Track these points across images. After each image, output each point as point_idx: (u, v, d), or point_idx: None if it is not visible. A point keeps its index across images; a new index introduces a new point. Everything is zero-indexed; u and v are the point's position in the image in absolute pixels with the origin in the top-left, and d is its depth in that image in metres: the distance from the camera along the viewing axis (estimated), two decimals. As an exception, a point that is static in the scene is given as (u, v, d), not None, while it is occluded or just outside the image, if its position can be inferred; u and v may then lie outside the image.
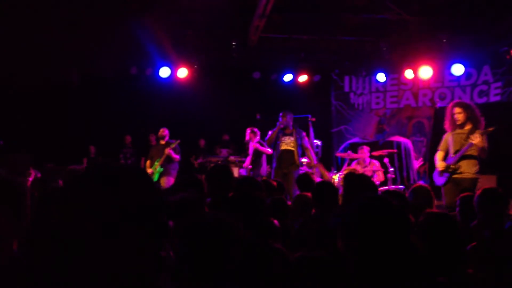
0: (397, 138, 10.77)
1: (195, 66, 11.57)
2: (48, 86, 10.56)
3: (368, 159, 9.14)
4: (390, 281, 2.03)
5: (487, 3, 8.25)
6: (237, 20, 9.57)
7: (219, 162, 10.82)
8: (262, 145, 9.14)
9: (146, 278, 1.14)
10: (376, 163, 9.00)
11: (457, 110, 6.49)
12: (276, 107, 12.09)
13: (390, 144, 10.91)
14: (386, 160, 9.20)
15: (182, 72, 11.39)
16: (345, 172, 7.11)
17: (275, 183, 5.22)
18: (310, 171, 8.69)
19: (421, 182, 9.32)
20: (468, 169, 6.32)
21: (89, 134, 11.82)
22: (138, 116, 11.99)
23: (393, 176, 9.46)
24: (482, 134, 6.23)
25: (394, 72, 11.73)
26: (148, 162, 9.67)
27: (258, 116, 11.01)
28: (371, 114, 12.21)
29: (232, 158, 11.12)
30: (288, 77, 12.10)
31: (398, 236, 2.18)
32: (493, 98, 10.42)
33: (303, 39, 10.48)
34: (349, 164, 9.35)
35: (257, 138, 9.35)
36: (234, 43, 10.70)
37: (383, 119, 11.89)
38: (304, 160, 8.96)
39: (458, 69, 10.49)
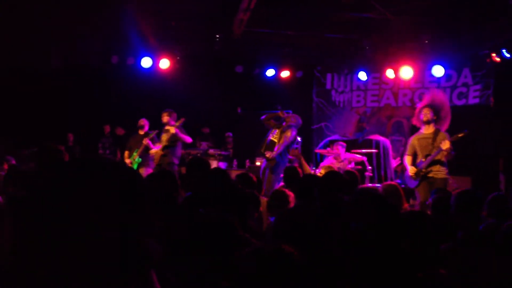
0: (376, 137, 10.88)
1: (178, 58, 11.49)
2: (27, 70, 10.42)
3: (343, 155, 9.17)
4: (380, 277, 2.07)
5: (469, 7, 8.35)
6: (221, 13, 9.52)
7: (198, 154, 10.79)
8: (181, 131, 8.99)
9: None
10: (353, 160, 9.08)
11: (426, 111, 6.89)
12: (258, 101, 12.14)
13: (369, 143, 11.02)
14: (364, 158, 9.28)
15: (164, 63, 11.30)
16: (321, 168, 7.16)
17: (255, 178, 5.22)
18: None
19: (398, 181, 9.44)
20: (439, 170, 6.68)
21: (68, 121, 11.67)
22: (118, 106, 11.88)
23: (371, 174, 9.55)
24: (451, 141, 6.57)
25: (375, 71, 11.81)
26: (126, 152, 9.59)
27: (239, 110, 11.00)
28: (352, 112, 12.29)
29: (211, 151, 11.10)
30: (270, 72, 12.10)
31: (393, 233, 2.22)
32: (472, 101, 10.57)
33: (287, 35, 10.48)
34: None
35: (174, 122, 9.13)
36: (217, 35, 10.66)
37: (363, 118, 11.98)
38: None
39: (438, 71, 10.61)
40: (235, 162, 10.98)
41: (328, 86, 12.64)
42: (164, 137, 9.04)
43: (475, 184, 7.26)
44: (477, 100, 10.45)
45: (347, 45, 11.13)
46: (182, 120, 9.04)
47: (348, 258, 2.55)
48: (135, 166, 9.25)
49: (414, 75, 11.04)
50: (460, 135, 6.61)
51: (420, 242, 3.01)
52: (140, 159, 9.33)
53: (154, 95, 11.64)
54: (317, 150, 10.54)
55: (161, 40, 10.71)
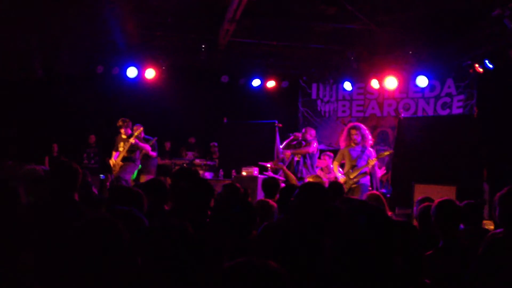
0: (361, 147, 10.93)
1: (163, 68, 11.48)
2: (10, 80, 10.33)
3: (331, 166, 9.22)
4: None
5: (452, 18, 8.47)
6: (207, 23, 9.54)
7: (185, 165, 10.76)
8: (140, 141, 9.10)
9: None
10: (340, 170, 9.09)
11: (354, 132, 7.99)
12: (244, 111, 12.16)
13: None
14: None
15: (150, 73, 11.28)
16: (308, 179, 7.18)
17: (241, 189, 5.20)
18: (275, 175, 8.75)
19: (383, 191, 9.49)
20: (360, 178, 7.77)
21: (53, 132, 11.57)
22: (103, 116, 11.79)
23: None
24: (378, 157, 7.86)
25: (360, 81, 11.90)
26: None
27: (225, 120, 11.00)
28: (337, 122, 12.35)
29: (197, 161, 11.06)
30: (256, 82, 12.13)
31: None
32: (456, 111, 10.69)
33: (272, 45, 10.53)
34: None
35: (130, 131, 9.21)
36: (203, 46, 10.67)
37: (349, 128, 12.05)
38: (269, 165, 8.99)
39: (422, 81, 10.72)
40: (221, 172, 10.93)
41: (314, 96, 12.70)
42: (122, 146, 9.10)
43: (459, 193, 7.31)
44: (460, 110, 10.58)
45: (332, 55, 11.21)
46: (141, 129, 9.07)
47: (336, 273, 2.55)
48: (135, 173, 9.38)
49: (399, 85, 11.15)
50: (386, 153, 8.23)
51: (409, 253, 3.03)
52: (140, 166, 9.41)
53: (140, 105, 11.60)
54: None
55: (146, 50, 10.71)
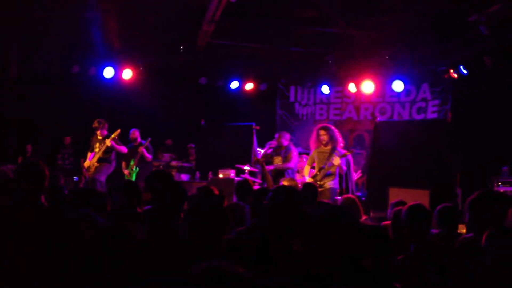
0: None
1: (141, 68, 11.38)
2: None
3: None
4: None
5: (428, 24, 8.57)
6: (186, 24, 9.50)
7: (161, 167, 10.68)
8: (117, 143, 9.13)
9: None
10: (311, 172, 9.14)
11: (322, 132, 7.91)
12: (222, 113, 12.13)
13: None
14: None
15: (127, 74, 11.17)
16: (283, 182, 7.18)
17: (216, 191, 5.17)
18: (253, 178, 8.78)
19: (359, 194, 9.55)
20: (328, 182, 7.72)
21: (27, 132, 11.38)
22: (79, 117, 11.63)
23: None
24: (340, 157, 7.68)
25: (338, 85, 11.97)
26: (123, 163, 9.66)
27: (202, 122, 10.96)
28: (315, 125, 12.36)
29: (174, 163, 11.00)
30: (234, 84, 12.11)
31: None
32: (430, 115, 10.81)
33: (251, 47, 10.53)
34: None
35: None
36: (181, 47, 10.62)
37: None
38: (246, 167, 8.97)
39: (398, 86, 10.83)
40: (197, 174, 10.89)
41: (292, 99, 12.73)
42: (98, 147, 9.07)
43: (433, 197, 7.40)
44: (435, 115, 10.70)
45: (310, 58, 11.25)
46: (117, 131, 9.06)
47: (308, 276, 2.54)
48: (133, 176, 9.38)
49: (375, 89, 11.24)
50: (346, 153, 7.90)
51: (379, 257, 3.04)
52: (137, 169, 9.43)
53: (116, 106, 11.49)
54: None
55: (124, 50, 10.60)
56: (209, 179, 10.00)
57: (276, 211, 3.30)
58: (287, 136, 9.00)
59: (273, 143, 8.97)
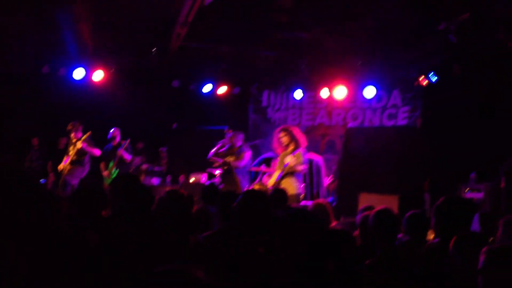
0: (309, 155, 11.01)
1: (112, 70, 11.23)
2: None
3: None
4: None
5: (399, 30, 8.68)
6: (158, 26, 9.42)
7: (131, 170, 10.55)
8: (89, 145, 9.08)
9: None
10: (301, 178, 9.15)
11: (281, 134, 7.63)
12: (194, 117, 12.06)
13: (303, 160, 11.13)
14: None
15: (98, 75, 11.01)
16: (255, 186, 7.19)
17: (185, 194, 5.11)
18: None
19: (330, 199, 9.59)
20: (289, 185, 7.25)
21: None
22: (48, 118, 11.41)
23: (304, 192, 9.64)
24: (294, 156, 7.35)
25: (311, 90, 12.03)
26: (102, 164, 9.53)
27: (174, 125, 10.88)
28: (287, 129, 12.40)
29: (145, 166, 10.88)
30: (207, 88, 12.06)
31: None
32: (401, 122, 10.95)
33: (224, 51, 10.50)
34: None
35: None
36: (154, 49, 10.52)
37: (298, 136, 12.12)
38: (218, 172, 8.93)
39: (370, 92, 10.95)
40: (168, 178, 10.80)
41: (265, 103, 12.74)
42: (71, 150, 8.98)
43: (402, 203, 7.48)
44: (405, 121, 10.85)
45: (283, 63, 11.28)
46: (88, 133, 8.97)
47: (273, 281, 2.53)
48: (114, 177, 9.16)
49: (347, 95, 11.33)
50: (300, 151, 7.43)
51: (345, 261, 3.04)
52: (117, 170, 9.30)
53: (87, 108, 11.30)
54: (251, 168, 10.55)
55: (95, 51, 10.45)
56: (180, 183, 9.94)
57: (245, 215, 3.28)
58: (241, 136, 8.92)
59: (225, 141, 8.88)
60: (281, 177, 7.46)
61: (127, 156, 9.41)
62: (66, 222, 3.16)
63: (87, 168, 9.24)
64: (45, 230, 2.09)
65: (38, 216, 2.07)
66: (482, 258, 2.45)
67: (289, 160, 7.34)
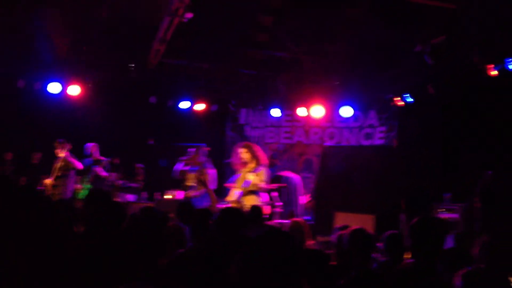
0: (287, 173, 11.00)
1: (89, 85, 11.11)
2: None
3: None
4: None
5: (376, 52, 8.81)
6: (137, 42, 9.40)
7: (106, 186, 10.39)
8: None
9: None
10: (265, 196, 9.10)
11: (242, 150, 7.42)
12: (171, 133, 11.98)
13: (280, 179, 11.12)
14: (274, 194, 9.32)
15: (74, 90, 10.87)
16: (231, 204, 7.13)
17: (159, 212, 5.04)
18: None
19: (307, 218, 9.57)
20: (252, 203, 6.90)
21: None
22: (22, 133, 11.21)
23: (281, 210, 9.61)
24: (257, 174, 7.21)
25: (288, 108, 12.07)
26: (77, 178, 9.46)
27: (151, 141, 10.79)
28: (265, 148, 12.41)
29: (120, 182, 10.73)
30: (185, 104, 12.00)
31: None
32: (377, 141, 11.05)
33: (202, 68, 10.51)
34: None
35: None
36: (132, 65, 10.47)
37: (276, 154, 12.12)
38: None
39: (347, 111, 11.03)
40: (144, 195, 10.67)
41: (242, 121, 12.74)
42: (57, 165, 8.87)
43: (378, 222, 7.51)
44: (382, 141, 10.95)
45: (261, 81, 11.33)
46: (69, 145, 9.00)
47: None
48: (83, 193, 9.10)
49: (325, 114, 11.40)
50: (263, 169, 7.31)
51: (321, 281, 3.01)
52: (90, 186, 9.25)
53: (63, 122, 11.14)
54: (226, 185, 10.49)
55: (72, 65, 10.35)
56: (156, 199, 9.82)
57: (220, 233, 3.24)
58: (204, 150, 8.81)
59: (189, 160, 8.76)
60: (244, 194, 7.28)
61: (104, 174, 9.32)
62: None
63: (72, 181, 9.12)
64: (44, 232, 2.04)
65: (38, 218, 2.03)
66: (457, 281, 2.44)
67: (252, 178, 7.20)
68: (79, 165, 9.08)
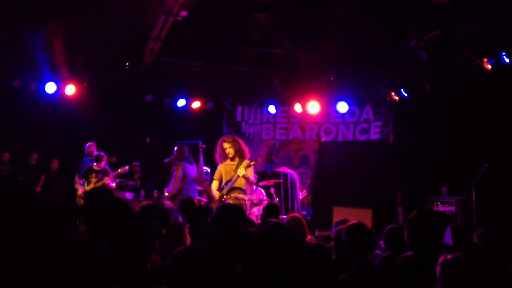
0: (284, 169, 11.06)
1: (85, 84, 11.12)
2: None
3: (254, 187, 9.23)
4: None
5: (370, 47, 8.84)
6: (133, 41, 9.39)
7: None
8: None
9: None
10: (262, 192, 9.16)
11: (226, 145, 7.37)
12: (168, 131, 11.99)
13: (277, 175, 11.17)
14: (272, 190, 9.39)
15: (70, 89, 10.87)
16: (229, 200, 7.15)
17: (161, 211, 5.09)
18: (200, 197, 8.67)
19: (304, 213, 9.63)
20: (238, 196, 6.89)
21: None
22: (19, 133, 11.20)
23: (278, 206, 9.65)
24: (246, 168, 7.14)
25: (284, 105, 12.12)
26: (76, 177, 9.42)
27: (148, 140, 10.80)
28: (261, 144, 12.47)
29: (118, 181, 10.74)
30: (181, 102, 12.03)
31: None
32: (373, 136, 11.10)
33: (198, 66, 10.52)
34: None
35: None
36: (127, 64, 10.47)
37: (272, 150, 12.18)
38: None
39: (342, 107, 11.08)
40: (142, 193, 10.69)
41: (239, 118, 12.77)
42: (93, 178, 9.02)
43: (375, 216, 7.56)
44: (378, 136, 11.00)
45: (257, 78, 11.35)
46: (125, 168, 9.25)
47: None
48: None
49: (321, 110, 11.45)
50: (252, 163, 7.30)
51: (319, 275, 3.05)
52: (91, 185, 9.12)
53: (59, 122, 11.15)
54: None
55: (67, 65, 10.34)
56: (154, 197, 9.84)
57: (219, 230, 3.26)
58: (185, 149, 8.79)
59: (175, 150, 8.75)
60: (230, 189, 7.29)
61: (112, 184, 9.27)
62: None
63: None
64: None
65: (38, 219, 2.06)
66: (438, 269, 2.50)
67: (241, 172, 7.14)
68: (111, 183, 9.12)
